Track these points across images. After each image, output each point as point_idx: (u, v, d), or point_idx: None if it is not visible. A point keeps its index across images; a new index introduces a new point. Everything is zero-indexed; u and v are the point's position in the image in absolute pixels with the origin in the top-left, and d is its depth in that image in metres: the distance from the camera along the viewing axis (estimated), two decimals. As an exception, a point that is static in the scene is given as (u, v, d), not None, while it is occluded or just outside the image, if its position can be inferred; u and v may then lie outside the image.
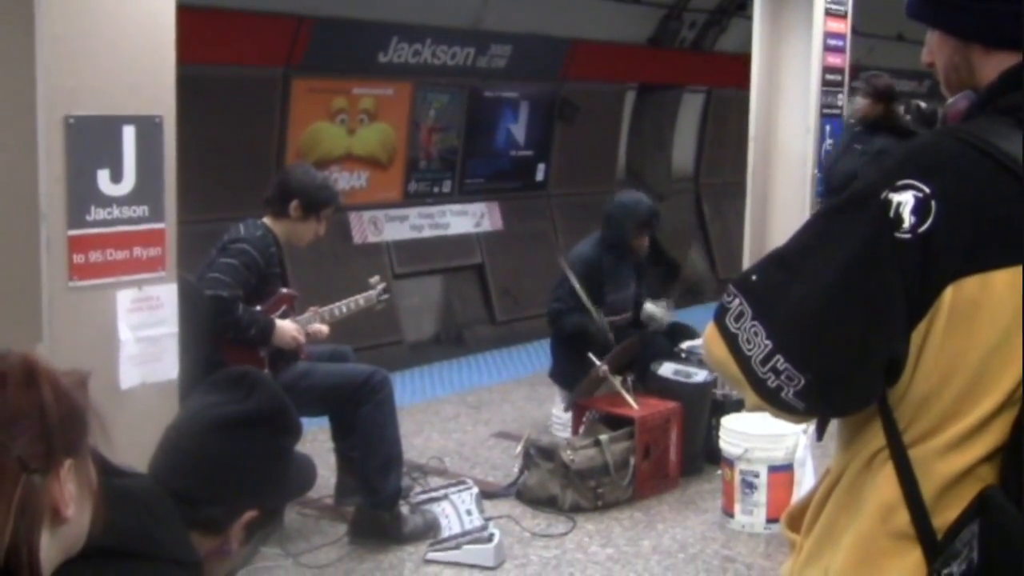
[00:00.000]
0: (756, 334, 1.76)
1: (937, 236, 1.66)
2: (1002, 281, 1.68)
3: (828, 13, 6.99)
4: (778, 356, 1.73)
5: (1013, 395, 1.70)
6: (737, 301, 1.80)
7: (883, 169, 1.76)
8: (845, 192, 1.80)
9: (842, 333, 1.72)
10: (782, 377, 1.73)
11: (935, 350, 1.70)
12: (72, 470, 1.54)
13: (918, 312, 1.69)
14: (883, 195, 1.70)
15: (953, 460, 1.72)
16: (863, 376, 1.73)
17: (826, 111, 7.09)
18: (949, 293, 1.68)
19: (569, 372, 6.85)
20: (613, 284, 7.03)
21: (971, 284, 1.67)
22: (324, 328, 5.62)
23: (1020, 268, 1.68)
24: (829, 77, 7.08)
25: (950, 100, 1.92)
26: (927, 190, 1.68)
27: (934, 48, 1.94)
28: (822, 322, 1.72)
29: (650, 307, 7.10)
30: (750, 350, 1.76)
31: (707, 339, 1.86)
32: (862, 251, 1.70)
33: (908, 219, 1.67)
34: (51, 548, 1.52)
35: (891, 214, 1.68)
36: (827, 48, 7.06)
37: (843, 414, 1.82)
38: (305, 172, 5.62)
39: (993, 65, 1.84)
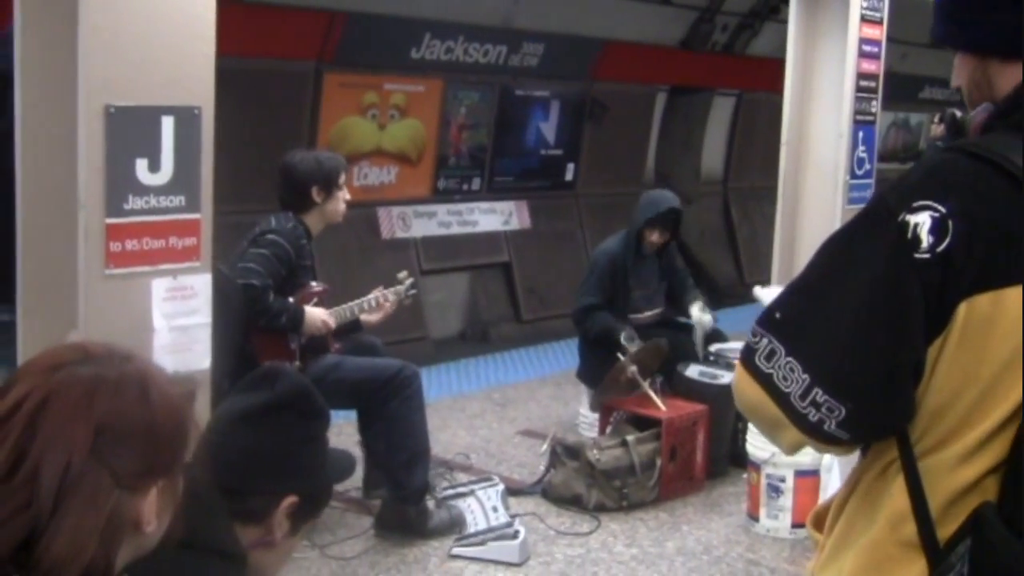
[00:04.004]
0: (792, 370, 1.76)
1: (955, 254, 1.68)
2: (1015, 298, 1.69)
3: (863, 19, 6.95)
4: (817, 389, 1.74)
5: (1019, 408, 1.72)
6: (765, 341, 1.80)
7: (901, 190, 1.77)
8: (863, 212, 1.82)
9: (876, 360, 1.73)
10: (823, 409, 1.74)
11: (948, 365, 1.73)
12: (163, 489, 1.56)
13: (935, 328, 1.71)
14: (901, 217, 1.72)
15: (961, 473, 1.75)
16: (901, 396, 1.75)
17: (859, 117, 7.04)
18: (962, 310, 1.69)
19: (596, 372, 6.85)
20: (637, 280, 7.04)
21: (984, 301, 1.69)
22: (372, 317, 5.68)
23: None
24: (863, 83, 7.03)
25: (972, 114, 1.94)
26: (943, 209, 1.70)
27: (957, 69, 1.97)
28: (856, 351, 1.74)
29: (696, 312, 7.04)
30: (788, 387, 1.76)
31: (738, 384, 1.86)
32: (885, 276, 1.72)
33: (926, 239, 1.69)
34: (123, 554, 1.53)
35: (909, 235, 1.70)
36: (862, 54, 7.01)
37: (887, 436, 1.81)
38: (303, 158, 5.59)
39: (1009, 77, 1.86)
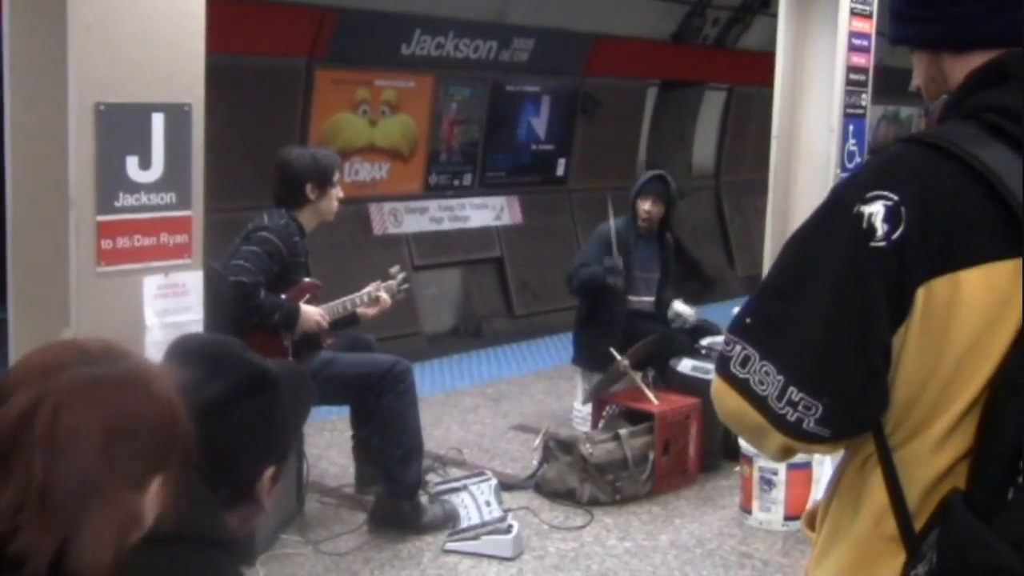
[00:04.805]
0: (767, 373, 1.77)
1: (910, 241, 1.70)
2: (971, 280, 1.71)
3: (853, 13, 6.96)
4: (792, 388, 1.75)
5: (984, 393, 1.73)
6: (739, 347, 1.81)
7: (855, 183, 1.79)
8: (821, 209, 1.83)
9: (846, 353, 1.74)
10: (800, 408, 1.75)
11: (913, 353, 1.74)
12: (163, 482, 1.55)
13: (898, 317, 1.73)
14: (855, 208, 1.73)
15: (935, 461, 1.76)
16: (874, 388, 1.76)
17: (850, 111, 7.05)
18: (921, 295, 1.71)
19: (589, 354, 6.98)
20: (638, 261, 7.15)
21: (941, 284, 1.71)
22: (370, 311, 5.69)
23: (988, 266, 1.70)
24: (853, 77, 7.04)
25: (931, 107, 1.97)
26: (896, 198, 1.72)
27: (915, 68, 2.00)
28: (825, 347, 1.75)
29: (678, 305, 7.18)
30: (764, 390, 1.77)
31: (717, 393, 1.87)
32: (847, 269, 1.73)
33: (881, 228, 1.71)
34: None
35: (864, 226, 1.72)
36: (852, 48, 7.02)
37: (866, 429, 1.81)
38: (300, 154, 5.62)
39: (960, 69, 1.89)
